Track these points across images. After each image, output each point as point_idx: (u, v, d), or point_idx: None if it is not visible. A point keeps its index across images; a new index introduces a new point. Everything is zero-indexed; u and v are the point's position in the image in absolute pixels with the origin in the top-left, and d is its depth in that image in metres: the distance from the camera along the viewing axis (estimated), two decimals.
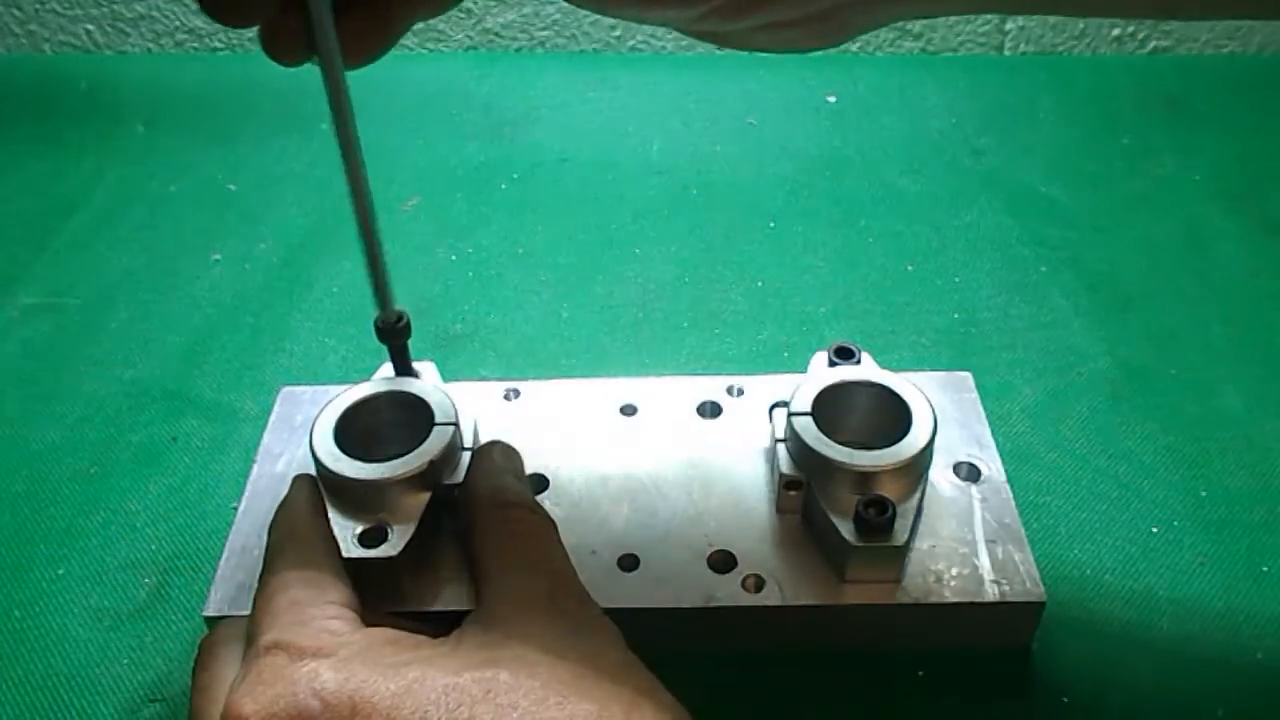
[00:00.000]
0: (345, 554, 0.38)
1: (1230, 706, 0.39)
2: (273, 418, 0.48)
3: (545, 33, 0.83)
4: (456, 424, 0.41)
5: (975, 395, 0.48)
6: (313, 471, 0.41)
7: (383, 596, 0.38)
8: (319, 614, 0.33)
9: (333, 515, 0.39)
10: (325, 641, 0.31)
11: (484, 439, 0.46)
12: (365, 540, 0.38)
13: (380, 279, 0.39)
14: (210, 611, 0.40)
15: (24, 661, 0.42)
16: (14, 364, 0.57)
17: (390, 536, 0.38)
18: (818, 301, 0.60)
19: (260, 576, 0.35)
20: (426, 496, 0.40)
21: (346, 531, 0.39)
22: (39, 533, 0.47)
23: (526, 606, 0.33)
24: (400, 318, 0.40)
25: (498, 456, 0.41)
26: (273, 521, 0.38)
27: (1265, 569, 0.44)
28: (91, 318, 0.60)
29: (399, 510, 0.39)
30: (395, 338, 0.41)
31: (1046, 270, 0.61)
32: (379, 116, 0.75)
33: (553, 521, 0.38)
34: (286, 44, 0.31)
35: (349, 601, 0.34)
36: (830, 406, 0.42)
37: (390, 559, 0.38)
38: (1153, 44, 0.83)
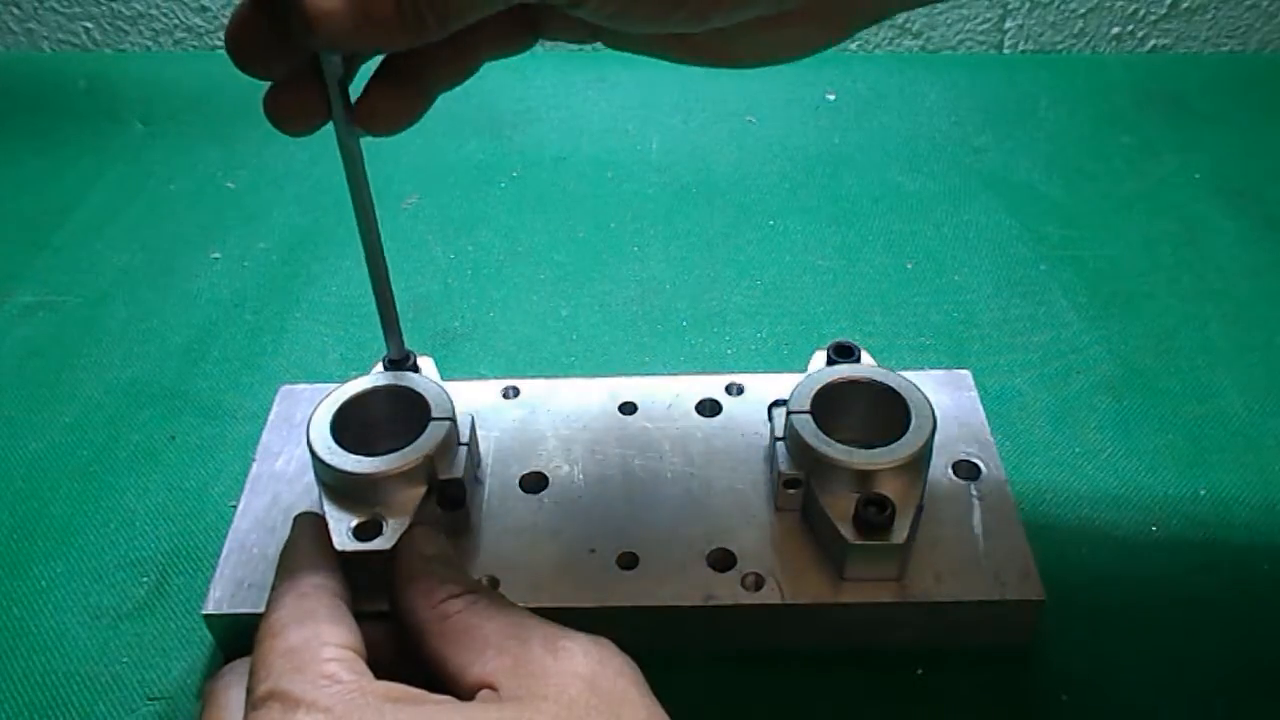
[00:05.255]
0: (340, 547, 0.38)
1: (1230, 705, 0.39)
2: (272, 416, 0.48)
3: None
4: (453, 418, 0.41)
5: (975, 393, 0.48)
6: (310, 467, 0.41)
7: (378, 591, 0.38)
8: (315, 658, 0.31)
9: (329, 509, 0.39)
10: (320, 692, 0.30)
11: (483, 436, 0.46)
12: (360, 534, 0.38)
13: (392, 326, 0.41)
14: (209, 610, 0.40)
15: (23, 659, 0.42)
16: (13, 363, 0.57)
17: (385, 530, 0.38)
18: (817, 300, 0.59)
19: (260, 621, 0.34)
20: (422, 490, 0.40)
21: (342, 525, 0.39)
22: (38, 530, 0.47)
23: (524, 671, 0.31)
24: (408, 357, 0.43)
25: (419, 544, 0.38)
26: (277, 564, 0.37)
27: (1265, 568, 0.44)
28: (90, 316, 0.60)
29: (394, 504, 0.39)
30: None
31: (1046, 269, 0.61)
32: None
33: (493, 592, 0.36)
34: (293, 114, 0.32)
35: (350, 643, 0.33)
36: (829, 405, 0.42)
37: (385, 552, 0.38)
38: (1152, 42, 0.83)
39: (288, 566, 0.36)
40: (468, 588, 0.35)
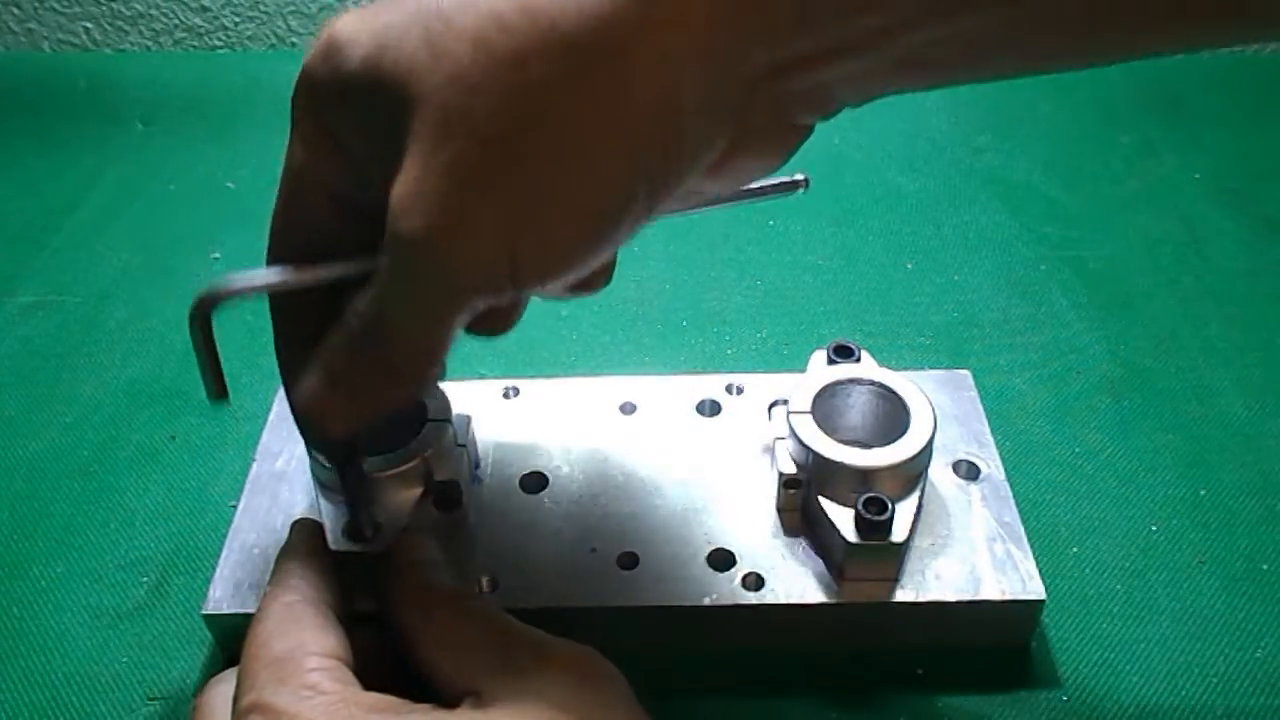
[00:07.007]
0: (334, 547, 0.38)
1: (1230, 706, 0.39)
2: (271, 416, 0.48)
3: None
4: (449, 420, 0.41)
5: (975, 393, 0.48)
6: (309, 467, 0.41)
7: (372, 592, 0.38)
8: (299, 669, 0.31)
9: (326, 509, 0.39)
10: (303, 704, 0.30)
11: (482, 437, 0.46)
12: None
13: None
14: (209, 609, 0.40)
15: (22, 659, 0.42)
16: (13, 362, 0.57)
17: (380, 532, 0.38)
18: (817, 300, 0.59)
19: (247, 630, 0.34)
20: (418, 492, 0.40)
21: (338, 525, 0.39)
22: (38, 530, 0.47)
23: (509, 678, 0.31)
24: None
25: (409, 549, 0.38)
26: (271, 572, 0.37)
27: (1265, 568, 0.44)
28: (90, 316, 0.60)
29: (390, 506, 0.39)
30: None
31: (1046, 269, 0.61)
32: None
33: (483, 598, 0.35)
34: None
35: (336, 652, 0.32)
36: (829, 405, 0.42)
37: (380, 553, 0.38)
38: None
39: (278, 574, 0.36)
40: (457, 593, 0.35)
